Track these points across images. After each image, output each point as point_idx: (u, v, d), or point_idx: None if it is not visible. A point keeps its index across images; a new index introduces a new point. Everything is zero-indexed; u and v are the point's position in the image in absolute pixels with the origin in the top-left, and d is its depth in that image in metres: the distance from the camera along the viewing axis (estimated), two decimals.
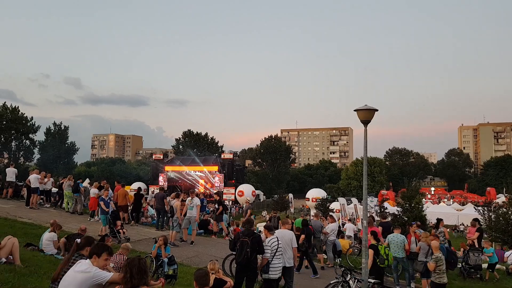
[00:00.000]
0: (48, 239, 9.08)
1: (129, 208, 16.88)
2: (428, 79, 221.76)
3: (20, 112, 60.31)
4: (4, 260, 6.58)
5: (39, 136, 67.71)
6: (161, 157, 48.19)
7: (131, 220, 16.51)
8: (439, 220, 13.62)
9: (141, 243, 12.50)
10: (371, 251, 9.32)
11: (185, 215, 13.63)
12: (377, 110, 9.06)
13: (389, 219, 17.88)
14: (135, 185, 28.17)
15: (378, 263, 9.40)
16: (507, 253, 15.46)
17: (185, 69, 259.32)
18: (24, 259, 7.38)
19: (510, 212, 17.69)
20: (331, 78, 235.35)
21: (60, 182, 19.43)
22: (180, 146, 78.17)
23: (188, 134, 79.77)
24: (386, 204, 29.94)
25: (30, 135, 63.17)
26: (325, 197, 41.82)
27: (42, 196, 17.79)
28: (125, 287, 4.02)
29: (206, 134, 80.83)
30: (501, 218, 17.85)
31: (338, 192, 73.22)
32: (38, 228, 12.16)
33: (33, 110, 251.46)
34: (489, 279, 12.12)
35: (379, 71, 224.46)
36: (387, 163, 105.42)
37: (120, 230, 12.84)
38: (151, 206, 19.16)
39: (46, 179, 17.70)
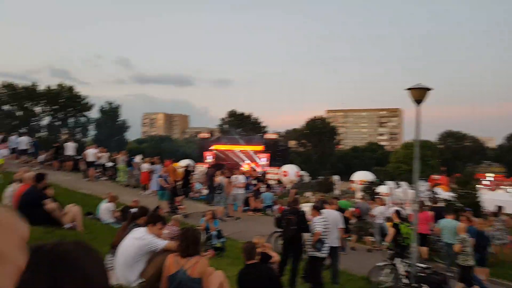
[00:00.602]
0: (106, 208, 9.66)
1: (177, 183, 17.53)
2: (487, 55, 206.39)
3: (75, 91, 63.79)
4: (69, 225, 7.10)
5: (93, 114, 71.47)
6: (207, 135, 49.18)
7: (180, 195, 17.11)
8: (500, 208, 12.82)
9: (190, 217, 12.97)
10: (392, 229, 9.41)
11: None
12: (431, 89, 8.60)
13: (441, 204, 17.20)
14: (184, 162, 29.13)
15: (400, 242, 9.36)
16: None
17: (229, 49, 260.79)
18: (85, 226, 7.92)
19: None
20: (380, 56, 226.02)
21: (114, 157, 20.50)
22: (225, 126, 79.33)
23: (232, 114, 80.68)
24: (438, 189, 28.75)
25: (85, 113, 66.78)
26: (372, 180, 40.85)
27: (98, 170, 18.90)
28: (181, 255, 4.20)
29: (251, 114, 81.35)
30: None
31: (386, 175, 71.20)
32: (95, 198, 12.95)
33: (87, 89, 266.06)
34: None
35: (433, 46, 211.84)
36: (440, 146, 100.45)
37: (179, 207, 13.22)
38: (199, 183, 19.75)
39: (101, 154, 18.73)
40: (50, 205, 6.81)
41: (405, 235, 9.35)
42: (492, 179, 65.86)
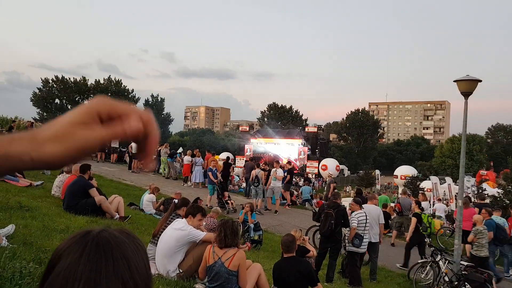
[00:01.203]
0: (148, 200, 10.06)
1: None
2: None
3: (122, 85, 66.33)
4: (117, 216, 7.48)
5: (139, 107, 73.93)
6: (247, 129, 49.65)
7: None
8: None
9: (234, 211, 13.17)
10: (414, 219, 9.72)
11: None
12: (480, 81, 8.22)
13: (488, 201, 16.41)
14: (224, 155, 29.63)
15: (421, 230, 9.65)
16: None
17: (270, 42, 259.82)
18: (127, 216, 8.30)
19: None
20: (426, 46, 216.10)
21: (158, 149, 21.24)
22: (265, 119, 79.45)
23: (273, 107, 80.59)
24: (484, 185, 27.35)
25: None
26: (415, 175, 39.48)
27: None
28: (219, 246, 4.34)
29: (291, 107, 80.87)
30: None
31: (430, 170, 68.50)
32: (139, 190, 13.52)
33: (133, 83, 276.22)
34: None
35: (481, 36, 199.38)
36: (488, 140, 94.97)
37: (229, 201, 13.21)
38: (238, 176, 20.02)
39: None
40: (98, 197, 7.19)
41: (426, 224, 9.80)
42: None
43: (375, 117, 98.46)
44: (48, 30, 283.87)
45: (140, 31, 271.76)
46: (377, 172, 47.35)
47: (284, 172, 15.05)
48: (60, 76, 60.79)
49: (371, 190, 38.49)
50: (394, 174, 43.67)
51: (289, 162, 17.19)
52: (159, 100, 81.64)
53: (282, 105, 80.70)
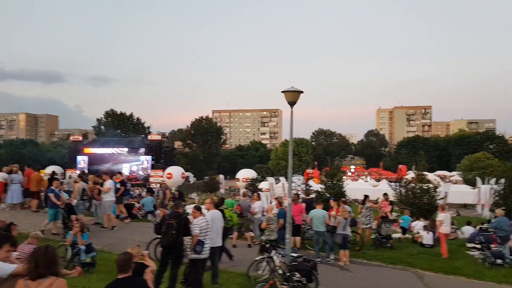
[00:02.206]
0: None
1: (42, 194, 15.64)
2: (350, 63, 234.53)
3: None
4: None
5: None
6: (80, 138, 44.92)
7: (45, 207, 15.31)
8: (366, 197, 14.33)
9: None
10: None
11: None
12: (302, 92, 9.27)
13: (313, 196, 18.79)
14: (50, 169, 26.10)
15: (225, 224, 10.18)
16: (413, 224, 17.11)
17: (108, 44, 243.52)
18: None
19: (417, 187, 19.59)
20: (263, 60, 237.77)
21: None
22: (102, 127, 73.86)
23: (111, 114, 75.49)
24: (311, 182, 31.32)
25: None
26: (255, 177, 42.60)
27: None
28: (30, 278, 3.70)
29: (132, 114, 77.29)
30: (410, 192, 19.70)
31: (267, 172, 75.07)
32: None
33: None
34: (397, 247, 13.36)
35: (310, 54, 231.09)
36: (313, 143, 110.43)
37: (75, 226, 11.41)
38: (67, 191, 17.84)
39: None
40: None
41: (228, 218, 10.51)
42: (352, 170, 74.91)
43: (218, 124, 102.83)
44: None
45: None
46: (221, 176, 49.30)
47: (115, 184, 14.05)
48: None
49: (215, 194, 39.75)
50: (236, 177, 46.30)
51: (120, 173, 16.12)
52: None
53: (121, 112, 76.34)
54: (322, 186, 21.51)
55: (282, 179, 38.76)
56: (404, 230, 15.75)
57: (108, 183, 12.95)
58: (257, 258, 9.03)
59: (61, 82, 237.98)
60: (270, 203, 22.66)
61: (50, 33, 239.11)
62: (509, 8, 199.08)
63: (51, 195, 11.80)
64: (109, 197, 12.83)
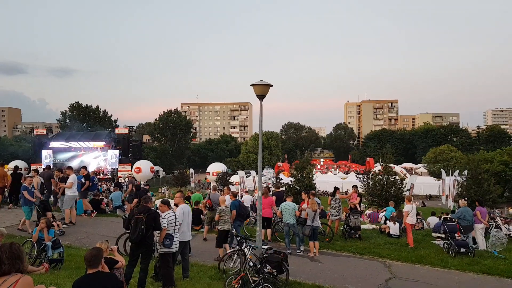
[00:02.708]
0: None
1: (6, 190, 15.03)
2: (320, 58, 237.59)
3: None
4: None
5: None
6: (45, 132, 43.30)
7: (9, 203, 14.79)
8: (335, 189, 14.56)
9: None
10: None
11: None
12: (271, 86, 9.29)
13: (283, 188, 19.00)
14: (13, 164, 25.00)
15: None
16: (380, 215, 17.69)
17: (71, 34, 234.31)
18: None
19: (384, 179, 20.23)
20: (232, 53, 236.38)
21: None
22: (67, 120, 71.37)
23: (76, 107, 73.05)
24: (281, 175, 31.66)
25: None
26: (225, 171, 42.60)
27: None
28: None
29: (98, 107, 75.06)
30: (377, 184, 20.31)
31: (238, 165, 75.19)
32: None
33: None
34: (365, 237, 13.78)
35: (278, 48, 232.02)
36: (283, 137, 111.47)
37: (54, 223, 10.98)
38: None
39: None
40: None
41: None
42: (321, 163, 76.33)
43: (188, 118, 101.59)
44: None
45: None
46: (191, 170, 48.98)
47: (79, 179, 13.70)
48: None
49: (185, 188, 39.44)
50: (207, 171, 46.15)
51: (85, 167, 15.69)
52: None
53: (87, 104, 74.02)
54: (292, 179, 21.78)
55: (252, 172, 39.02)
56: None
57: (71, 178, 12.62)
58: (228, 251, 9.09)
59: (23, 73, 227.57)
60: (241, 197, 22.82)
61: (10, 23, 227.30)
62: (472, 4, 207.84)
63: (24, 192, 11.42)
64: (70, 192, 12.49)
